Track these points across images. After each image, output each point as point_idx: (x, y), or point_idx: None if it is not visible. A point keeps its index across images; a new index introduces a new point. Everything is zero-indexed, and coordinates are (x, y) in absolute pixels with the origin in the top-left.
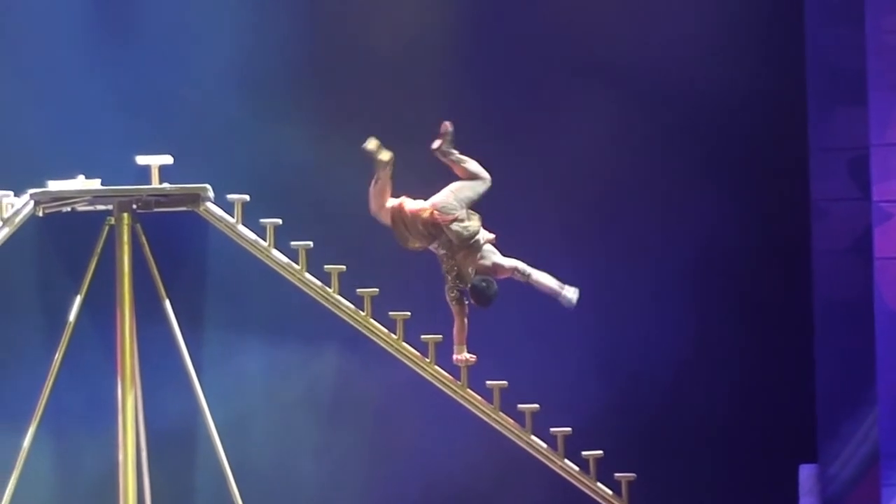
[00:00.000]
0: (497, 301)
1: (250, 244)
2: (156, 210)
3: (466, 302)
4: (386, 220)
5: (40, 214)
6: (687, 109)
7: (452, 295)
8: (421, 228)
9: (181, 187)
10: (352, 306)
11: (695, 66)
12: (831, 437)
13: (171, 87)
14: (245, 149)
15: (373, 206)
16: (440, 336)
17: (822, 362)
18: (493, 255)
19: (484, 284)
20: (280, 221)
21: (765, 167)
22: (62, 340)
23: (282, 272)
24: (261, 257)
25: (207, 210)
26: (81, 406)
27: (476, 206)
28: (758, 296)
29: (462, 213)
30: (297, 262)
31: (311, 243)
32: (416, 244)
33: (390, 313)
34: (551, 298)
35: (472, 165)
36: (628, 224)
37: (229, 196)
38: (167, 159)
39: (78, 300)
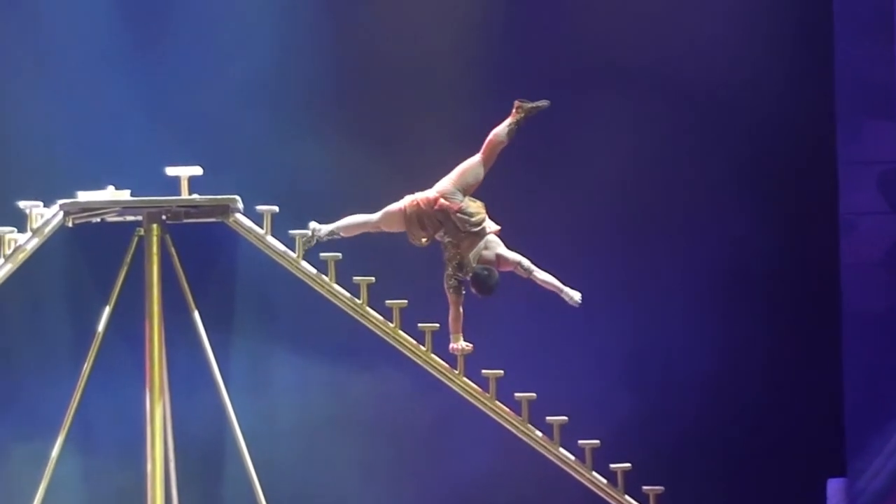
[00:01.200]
0: (525, 314)
1: (279, 255)
2: (185, 221)
3: (464, 291)
4: (397, 226)
5: (70, 225)
6: (716, 123)
7: (451, 283)
8: (433, 217)
9: (211, 198)
10: (381, 318)
11: (724, 80)
12: (860, 450)
13: (200, 98)
14: (274, 160)
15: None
16: (470, 345)
17: (850, 376)
18: (497, 247)
19: (486, 273)
20: (310, 233)
21: (793, 181)
22: (91, 351)
23: (311, 283)
24: (290, 269)
25: (237, 221)
26: (110, 416)
27: (508, 215)
28: (786, 309)
29: (465, 200)
30: (326, 274)
31: (340, 255)
32: (423, 238)
33: (419, 325)
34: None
35: (504, 141)
36: (657, 236)
37: (258, 207)
38: (197, 170)
39: (107, 311)
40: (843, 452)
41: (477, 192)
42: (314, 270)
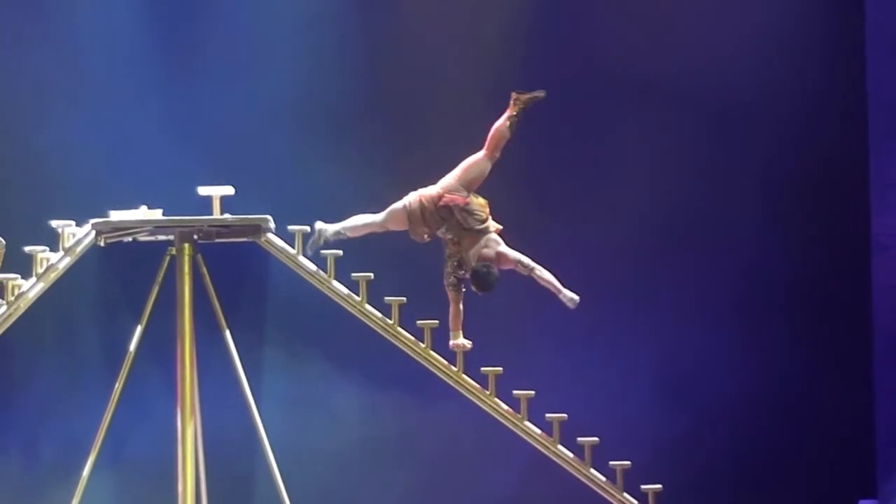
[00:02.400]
0: (555, 335)
1: (311, 275)
2: (217, 241)
3: (463, 289)
4: (402, 225)
5: (102, 244)
6: (749, 142)
7: (450, 281)
8: (435, 214)
9: (242, 218)
10: (411, 337)
11: (755, 99)
12: (890, 472)
13: (232, 118)
14: (306, 180)
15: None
16: (500, 369)
17: (882, 397)
18: (497, 245)
19: (485, 270)
20: (341, 253)
21: (826, 202)
22: (122, 370)
23: (342, 303)
24: (321, 288)
25: (268, 241)
26: (141, 436)
27: (536, 231)
28: (818, 330)
29: (469, 197)
30: (357, 294)
31: (371, 275)
32: (425, 235)
33: (450, 343)
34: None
35: (506, 136)
36: (688, 255)
37: (290, 227)
38: (229, 190)
39: (139, 330)
40: (874, 474)
41: (503, 203)
42: (345, 290)
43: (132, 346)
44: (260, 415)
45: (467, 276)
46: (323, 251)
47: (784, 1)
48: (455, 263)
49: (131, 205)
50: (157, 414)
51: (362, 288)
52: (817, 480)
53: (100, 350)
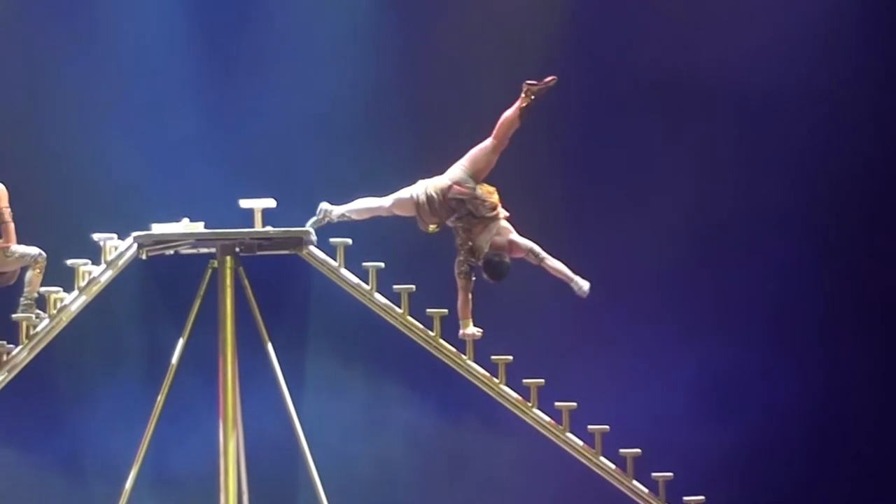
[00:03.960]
0: (596, 345)
1: (353, 287)
2: (259, 253)
3: (474, 278)
4: (408, 212)
5: (144, 257)
6: (784, 148)
7: (462, 269)
8: (445, 204)
9: (284, 231)
10: (453, 349)
11: (798, 126)
12: None
13: (274, 132)
14: (347, 192)
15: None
16: (542, 381)
17: None
18: (509, 234)
19: (497, 258)
20: (383, 265)
21: (861, 205)
22: (165, 383)
23: (384, 316)
24: (363, 301)
25: (310, 253)
26: (183, 449)
27: (583, 241)
28: (860, 338)
29: (478, 186)
30: (399, 306)
31: (413, 287)
32: (433, 225)
33: (492, 357)
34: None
35: (514, 125)
36: (729, 266)
37: (332, 240)
38: (270, 202)
39: (181, 343)
40: None
41: (539, 214)
42: (387, 302)
43: (174, 359)
44: (302, 428)
45: (479, 264)
46: (364, 263)
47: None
48: (467, 251)
49: (173, 218)
50: (200, 427)
51: (404, 300)
52: (861, 489)
53: (142, 363)
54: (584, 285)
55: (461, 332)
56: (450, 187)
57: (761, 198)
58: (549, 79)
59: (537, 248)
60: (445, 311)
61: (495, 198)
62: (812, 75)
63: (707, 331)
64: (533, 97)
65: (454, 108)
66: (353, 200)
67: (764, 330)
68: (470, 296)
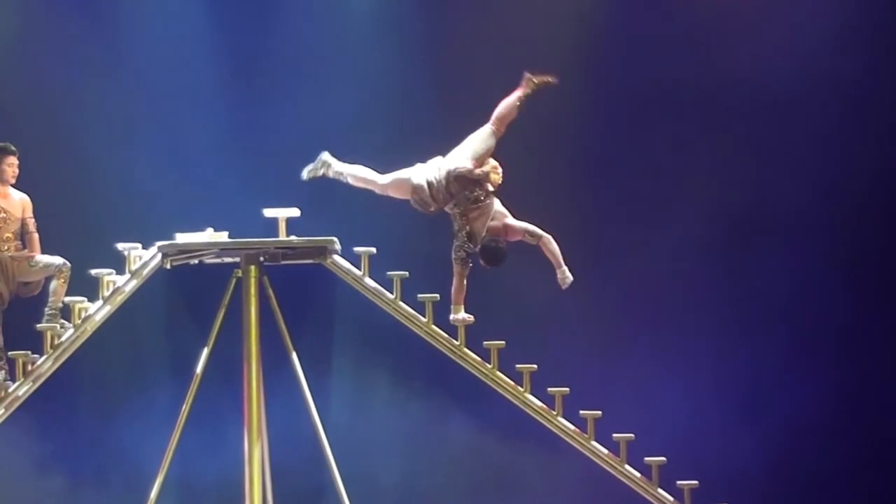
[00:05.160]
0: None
1: (377, 296)
2: (283, 262)
3: (471, 264)
4: (404, 195)
5: (168, 267)
6: (814, 174)
7: (459, 254)
8: (444, 190)
9: (308, 240)
10: (478, 358)
11: (820, 130)
12: None
13: (297, 140)
14: (371, 201)
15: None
16: (566, 389)
17: None
18: (504, 217)
19: (493, 244)
20: (407, 274)
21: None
22: (189, 392)
23: (408, 324)
24: (387, 310)
25: (334, 262)
26: (208, 458)
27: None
28: (884, 347)
29: (474, 166)
30: (423, 315)
31: (437, 296)
32: (431, 208)
33: (517, 366)
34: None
35: (513, 114)
36: (751, 276)
37: (356, 248)
38: (294, 212)
39: (205, 352)
40: None
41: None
42: (411, 310)
43: (199, 369)
44: (327, 436)
45: (476, 249)
46: (389, 272)
47: (842, 8)
48: (464, 236)
49: (197, 227)
50: (225, 436)
51: (428, 309)
52: (885, 497)
53: (166, 372)
54: (568, 278)
55: (452, 316)
56: (449, 173)
57: (783, 204)
58: (550, 77)
59: (533, 228)
60: (472, 318)
61: (499, 173)
62: (832, 80)
63: (730, 338)
64: (532, 89)
65: (478, 117)
66: (375, 204)
67: (788, 337)
68: (465, 282)
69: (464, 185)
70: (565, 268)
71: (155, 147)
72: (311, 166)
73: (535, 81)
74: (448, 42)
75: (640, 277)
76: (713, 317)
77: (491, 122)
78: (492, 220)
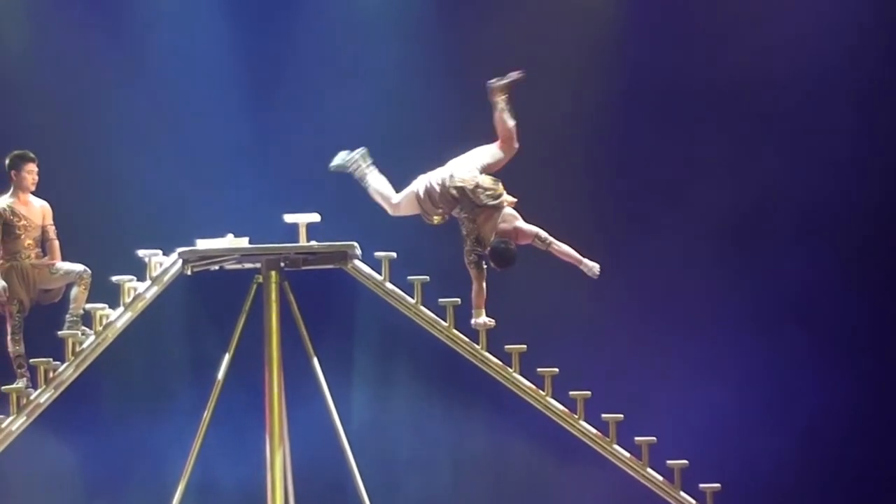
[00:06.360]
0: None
1: (398, 301)
2: (304, 268)
3: (485, 266)
4: (413, 210)
5: (189, 273)
6: (830, 174)
7: (471, 258)
8: (446, 195)
9: (329, 245)
10: (499, 363)
11: (837, 130)
12: None
13: (318, 146)
14: None
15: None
16: (588, 393)
17: None
18: (514, 220)
19: (503, 246)
20: (428, 278)
21: None
22: (211, 398)
23: (429, 329)
24: (409, 314)
25: (355, 267)
26: (230, 464)
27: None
28: None
29: (479, 176)
30: (444, 319)
31: (458, 300)
32: (437, 217)
33: (538, 370)
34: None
35: (508, 125)
36: (781, 288)
37: (377, 253)
38: (315, 217)
39: (226, 358)
40: None
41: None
42: (433, 315)
43: (220, 375)
44: (349, 441)
45: (486, 252)
46: (410, 277)
47: (858, 5)
48: (473, 240)
49: (218, 233)
50: (246, 442)
51: (449, 313)
52: None
53: (188, 378)
54: (595, 267)
55: (473, 320)
56: (449, 178)
57: (804, 204)
58: (513, 75)
59: (543, 234)
60: (493, 322)
61: (500, 187)
62: (848, 78)
63: (752, 340)
64: (503, 94)
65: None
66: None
67: (810, 338)
68: (484, 286)
69: (464, 195)
70: (586, 260)
71: (175, 154)
72: (345, 155)
73: (501, 86)
74: (471, 45)
75: (660, 280)
76: (734, 318)
77: (498, 144)
78: (502, 222)
